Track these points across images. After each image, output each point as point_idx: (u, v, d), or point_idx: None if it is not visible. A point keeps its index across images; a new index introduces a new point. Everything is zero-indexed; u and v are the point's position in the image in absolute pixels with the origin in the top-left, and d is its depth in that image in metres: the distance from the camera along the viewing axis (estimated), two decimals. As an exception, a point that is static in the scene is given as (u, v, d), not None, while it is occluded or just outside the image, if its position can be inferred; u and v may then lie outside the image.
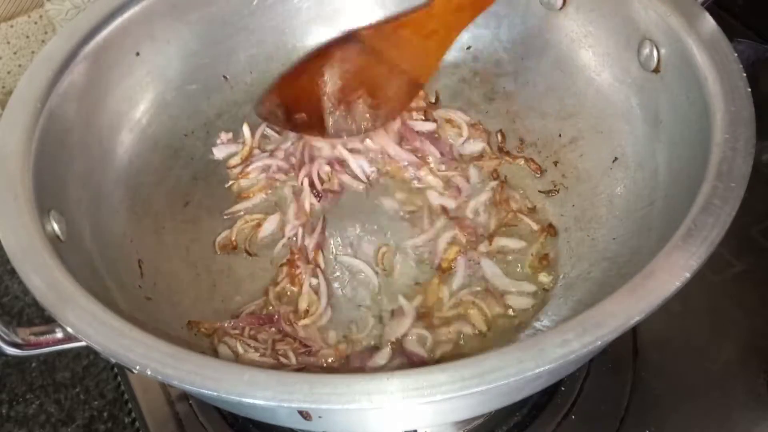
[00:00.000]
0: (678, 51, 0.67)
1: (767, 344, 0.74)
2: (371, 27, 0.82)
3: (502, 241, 0.77)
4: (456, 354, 0.70)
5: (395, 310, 0.73)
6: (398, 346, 0.70)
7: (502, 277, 0.74)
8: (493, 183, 0.82)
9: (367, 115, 0.77)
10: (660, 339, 0.76)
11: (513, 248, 0.77)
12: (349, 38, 0.79)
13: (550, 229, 0.77)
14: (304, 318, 0.72)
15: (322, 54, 0.80)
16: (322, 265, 0.77)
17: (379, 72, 0.77)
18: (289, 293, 0.75)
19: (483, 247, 0.76)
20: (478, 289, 0.74)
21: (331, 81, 0.76)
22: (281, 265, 0.77)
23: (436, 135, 0.86)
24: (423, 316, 0.72)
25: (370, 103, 0.76)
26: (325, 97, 0.76)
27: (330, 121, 0.78)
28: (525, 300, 0.72)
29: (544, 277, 0.74)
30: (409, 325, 0.71)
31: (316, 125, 0.79)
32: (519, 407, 0.71)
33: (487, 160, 0.85)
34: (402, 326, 0.71)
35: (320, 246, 0.78)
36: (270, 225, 0.81)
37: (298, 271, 0.75)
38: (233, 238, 0.80)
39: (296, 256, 0.77)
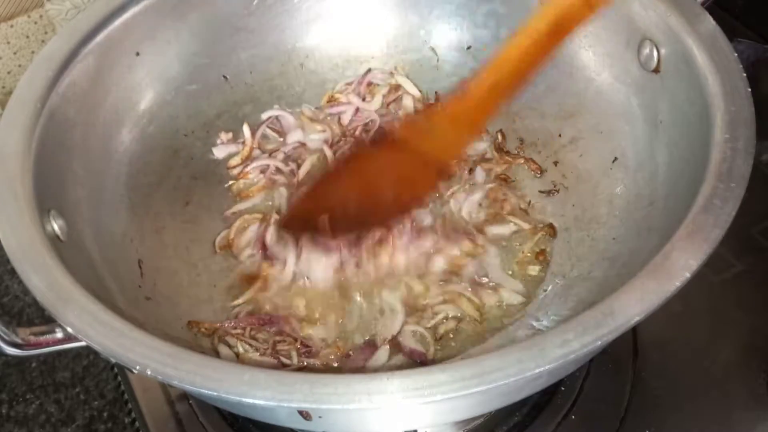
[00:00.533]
0: (678, 51, 0.67)
1: (767, 344, 0.74)
2: (403, 124, 0.80)
3: (495, 230, 0.78)
4: (456, 334, 0.71)
5: (384, 309, 0.73)
6: (395, 344, 0.70)
7: (498, 269, 0.75)
8: (490, 185, 0.82)
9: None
10: (660, 339, 0.76)
11: (506, 234, 0.78)
12: (378, 137, 0.79)
13: (550, 230, 0.77)
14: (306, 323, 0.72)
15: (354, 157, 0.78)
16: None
17: (407, 163, 0.73)
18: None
19: (481, 240, 0.77)
20: (466, 284, 0.74)
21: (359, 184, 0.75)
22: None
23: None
24: (413, 312, 0.72)
25: (398, 195, 0.74)
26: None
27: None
28: (517, 297, 0.73)
29: (532, 270, 0.75)
30: (402, 322, 0.71)
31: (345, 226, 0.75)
32: (519, 407, 0.71)
33: (494, 164, 0.85)
34: (395, 324, 0.71)
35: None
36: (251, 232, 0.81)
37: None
38: (231, 238, 0.80)
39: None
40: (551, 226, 0.78)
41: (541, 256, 0.75)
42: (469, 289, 0.73)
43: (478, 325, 0.72)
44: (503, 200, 0.81)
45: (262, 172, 0.86)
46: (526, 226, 0.78)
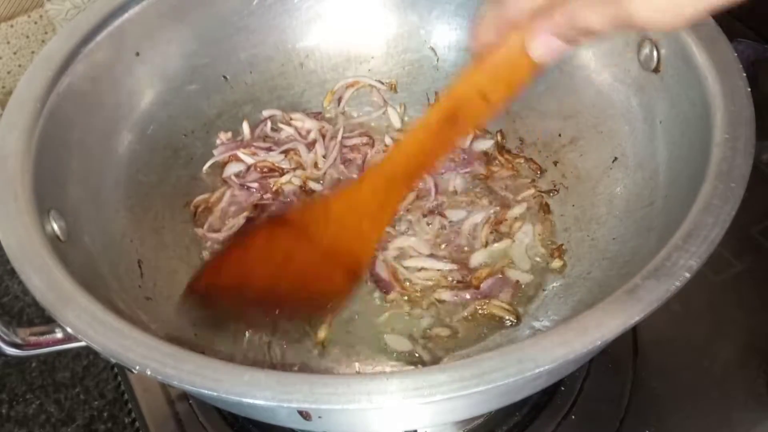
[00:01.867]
0: (678, 51, 0.67)
1: (767, 344, 0.74)
2: (298, 210, 0.72)
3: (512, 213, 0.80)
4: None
5: None
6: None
7: (523, 255, 0.76)
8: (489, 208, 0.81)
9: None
10: (660, 339, 0.76)
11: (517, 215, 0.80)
12: (272, 221, 0.70)
13: (544, 207, 0.79)
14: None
15: (245, 238, 0.70)
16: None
17: (310, 258, 0.65)
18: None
19: (504, 227, 0.79)
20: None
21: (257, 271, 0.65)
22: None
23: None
24: None
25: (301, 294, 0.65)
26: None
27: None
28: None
29: (556, 263, 0.75)
30: None
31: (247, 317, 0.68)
32: (519, 407, 0.71)
33: (499, 167, 0.85)
34: None
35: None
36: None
37: None
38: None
39: None
40: (546, 204, 0.80)
41: (557, 252, 0.76)
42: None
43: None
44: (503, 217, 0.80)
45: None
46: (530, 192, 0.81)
